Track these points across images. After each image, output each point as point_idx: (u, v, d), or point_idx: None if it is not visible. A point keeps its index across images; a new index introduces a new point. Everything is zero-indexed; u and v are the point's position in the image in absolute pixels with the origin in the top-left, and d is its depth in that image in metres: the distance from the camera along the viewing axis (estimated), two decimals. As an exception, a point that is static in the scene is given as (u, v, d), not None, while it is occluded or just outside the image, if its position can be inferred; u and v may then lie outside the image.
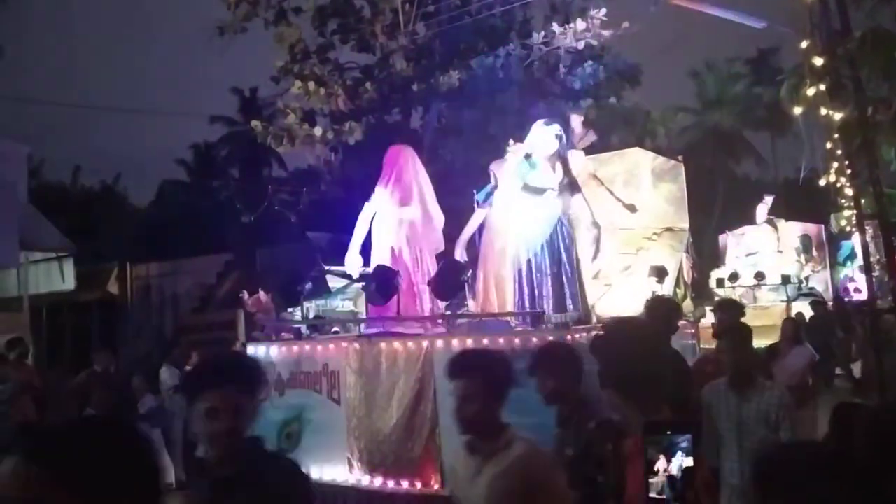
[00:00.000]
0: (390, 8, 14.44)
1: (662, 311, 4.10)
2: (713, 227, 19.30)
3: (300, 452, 4.64)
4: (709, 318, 7.51)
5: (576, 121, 7.70)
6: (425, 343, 4.35)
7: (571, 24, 13.57)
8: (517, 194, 5.15)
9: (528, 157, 5.20)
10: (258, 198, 21.45)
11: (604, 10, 13.44)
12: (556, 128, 5.24)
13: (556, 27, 13.74)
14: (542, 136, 5.20)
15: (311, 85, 14.26)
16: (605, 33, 13.58)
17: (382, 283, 5.05)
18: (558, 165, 5.22)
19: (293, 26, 14.97)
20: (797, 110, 8.37)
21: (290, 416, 4.78)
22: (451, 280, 4.77)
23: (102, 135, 51.41)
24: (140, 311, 18.91)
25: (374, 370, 4.54)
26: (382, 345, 4.54)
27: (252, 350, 5.16)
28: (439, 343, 4.28)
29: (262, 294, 11.56)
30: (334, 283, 12.21)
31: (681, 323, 6.27)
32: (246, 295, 11.53)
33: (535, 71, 14.16)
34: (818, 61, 7.54)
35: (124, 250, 20.23)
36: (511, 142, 6.25)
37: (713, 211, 23.01)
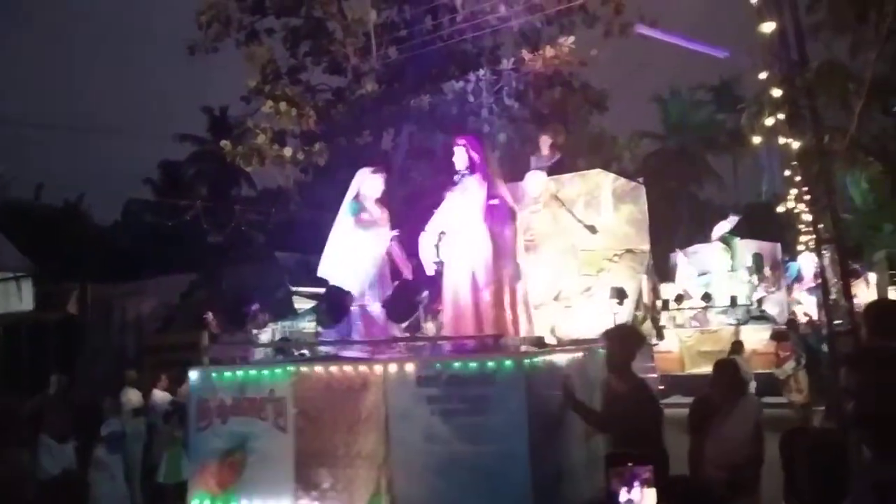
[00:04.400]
0: (363, 31, 14.57)
1: (620, 339, 4.09)
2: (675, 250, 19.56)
3: (244, 483, 4.45)
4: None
5: (544, 143, 7.76)
6: (377, 368, 4.13)
7: (541, 51, 13.84)
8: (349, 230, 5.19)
9: (356, 198, 5.33)
10: (226, 218, 21.24)
11: (572, 38, 13.76)
12: (382, 176, 5.48)
13: (525, 54, 14.00)
14: (371, 182, 5.37)
15: (283, 105, 14.27)
16: (574, 60, 13.88)
17: (333, 305, 4.86)
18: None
19: (265, 47, 15.01)
20: (757, 139, 8.66)
21: (233, 445, 4.51)
22: (406, 302, 4.59)
23: (67, 153, 50.45)
24: (101, 331, 18.44)
25: (323, 396, 4.28)
26: (333, 369, 4.29)
27: (195, 375, 4.84)
28: (392, 367, 4.06)
29: (209, 315, 11.49)
30: (302, 304, 12.11)
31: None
32: (210, 316, 11.44)
33: (505, 96, 14.37)
34: (777, 92, 7.85)
35: (87, 269, 19.80)
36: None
37: (676, 234, 23.45)
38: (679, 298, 14.09)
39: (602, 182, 7.02)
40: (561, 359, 4.43)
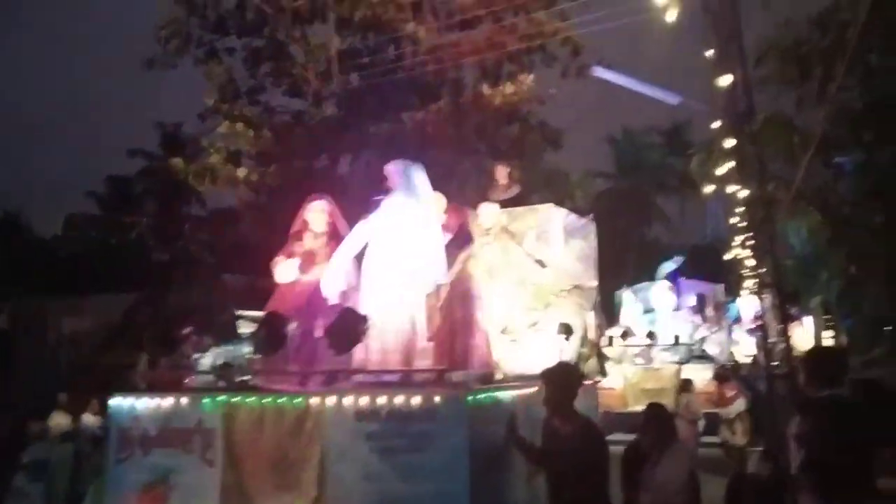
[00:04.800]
0: (325, 56, 14.58)
1: (559, 379, 3.97)
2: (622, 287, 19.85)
3: None
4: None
5: (500, 173, 7.75)
6: (314, 401, 3.90)
7: (500, 87, 14.07)
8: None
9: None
10: (174, 236, 20.74)
11: (531, 77, 14.04)
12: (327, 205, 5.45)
13: (485, 88, 14.21)
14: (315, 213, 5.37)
15: (239, 126, 14.11)
16: (532, 98, 14.16)
17: (271, 332, 4.61)
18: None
19: (224, 66, 14.86)
20: (708, 189, 8.90)
21: (155, 478, 4.18)
22: (348, 331, 4.23)
23: (6, 163, 48.75)
24: (33, 349, 17.64)
25: (256, 429, 4.00)
26: (267, 401, 4.04)
27: (116, 402, 4.52)
28: (330, 401, 3.85)
29: (194, 337, 11.13)
30: (248, 328, 11.80)
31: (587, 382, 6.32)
32: (188, 332, 11.09)
33: (465, 129, 14.52)
34: (728, 142, 8.13)
35: (23, 284, 18.97)
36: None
37: (624, 271, 23.87)
38: (624, 335, 14.22)
39: (553, 217, 6.99)
40: (506, 395, 4.34)
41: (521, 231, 6.76)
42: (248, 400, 4.06)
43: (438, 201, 6.48)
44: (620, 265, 25.84)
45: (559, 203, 7.63)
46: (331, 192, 6.13)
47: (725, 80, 7.37)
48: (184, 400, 4.26)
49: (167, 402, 4.29)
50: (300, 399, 3.92)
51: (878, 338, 11.76)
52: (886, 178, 10.00)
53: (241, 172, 14.16)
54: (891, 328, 11.05)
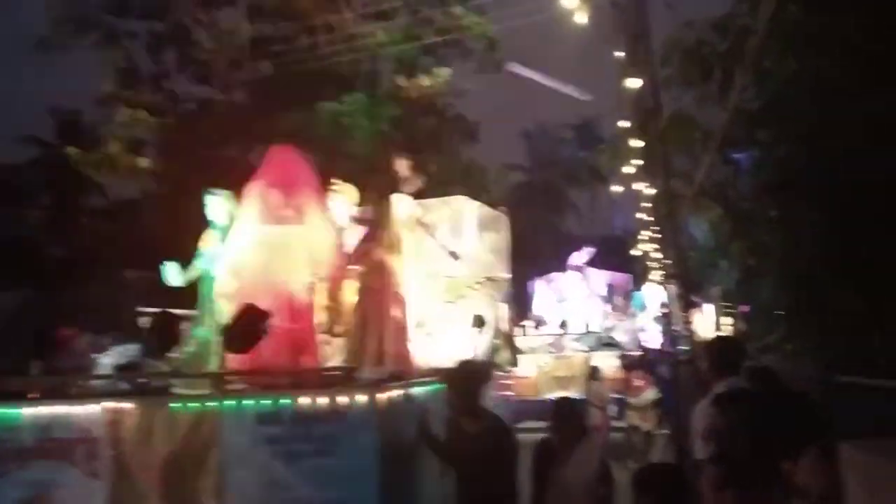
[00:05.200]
0: (234, 43, 14.06)
1: (462, 380, 3.83)
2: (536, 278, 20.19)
3: None
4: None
5: (401, 165, 7.63)
6: (211, 404, 3.65)
7: (417, 80, 14.00)
8: None
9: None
10: (70, 230, 19.49)
11: (448, 70, 14.05)
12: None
13: (401, 81, 14.10)
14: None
15: (141, 113, 13.41)
16: (448, 91, 14.18)
17: (163, 332, 4.43)
18: None
19: (125, 50, 14.09)
20: (613, 188, 9.10)
21: (31, 494, 3.78)
22: (247, 330, 3.99)
23: None
24: None
25: (146, 437, 3.72)
26: (159, 405, 3.76)
27: None
28: (228, 404, 3.59)
29: (80, 339, 10.49)
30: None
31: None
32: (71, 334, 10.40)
33: (380, 121, 14.35)
34: (635, 142, 8.37)
35: None
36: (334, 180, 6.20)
37: (538, 262, 24.35)
38: (537, 325, 14.49)
39: (465, 209, 6.94)
40: (419, 391, 4.24)
41: (434, 223, 6.70)
42: (138, 405, 3.74)
43: (350, 193, 6.33)
44: (534, 256, 26.39)
45: (476, 196, 7.63)
46: (241, 184, 5.87)
47: (633, 83, 7.58)
48: (65, 407, 3.88)
49: (47, 410, 3.88)
50: (196, 403, 3.65)
51: (772, 324, 12.48)
52: (781, 175, 10.60)
53: (144, 162, 13.48)
54: (784, 315, 11.74)
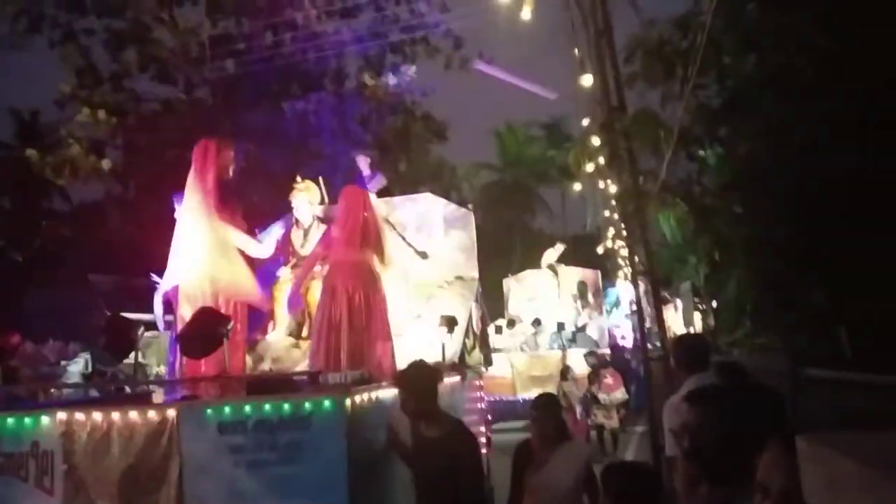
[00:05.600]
0: (196, 42, 13.80)
1: (415, 383, 3.68)
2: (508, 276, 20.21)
3: None
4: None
5: (363, 163, 7.56)
6: (170, 412, 3.45)
7: (383, 78, 13.91)
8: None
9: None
10: (31, 234, 18.99)
11: (414, 68, 13.98)
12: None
13: (368, 79, 13.99)
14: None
15: (102, 113, 13.08)
16: (415, 89, 14.11)
17: (116, 338, 4.26)
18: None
19: (83, 49, 13.72)
20: (578, 187, 9.12)
21: None
22: (206, 333, 3.86)
23: None
24: None
25: (101, 449, 3.51)
26: (114, 415, 3.51)
27: None
28: (187, 412, 3.42)
29: (28, 344, 10.21)
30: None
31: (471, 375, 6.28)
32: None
33: (347, 119, 14.22)
34: (597, 141, 8.40)
35: None
36: (299, 179, 6.13)
37: (510, 261, 24.45)
38: (511, 323, 14.43)
39: (432, 207, 6.87)
40: (388, 394, 4.16)
41: (401, 222, 6.61)
42: (92, 415, 3.53)
43: (313, 191, 6.23)
44: (507, 255, 26.49)
45: (446, 195, 7.58)
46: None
47: (588, 80, 7.63)
48: (14, 419, 3.65)
49: None
50: (153, 411, 3.47)
51: (740, 319, 12.67)
52: (743, 170, 10.76)
53: (106, 164, 13.15)
54: (750, 310, 11.93)
